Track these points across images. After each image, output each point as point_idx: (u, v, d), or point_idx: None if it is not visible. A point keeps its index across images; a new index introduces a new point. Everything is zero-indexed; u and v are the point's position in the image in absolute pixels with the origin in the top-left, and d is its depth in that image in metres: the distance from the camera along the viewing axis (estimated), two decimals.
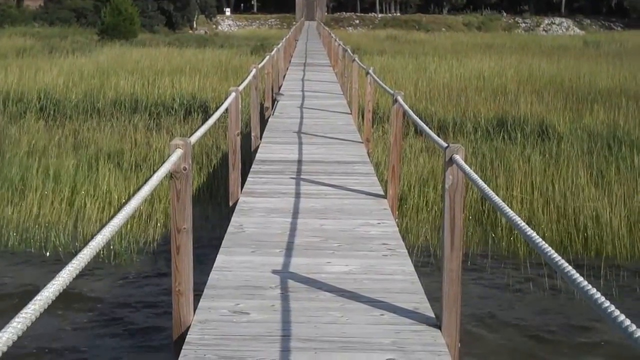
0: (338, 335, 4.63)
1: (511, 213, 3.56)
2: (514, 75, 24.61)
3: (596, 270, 8.82)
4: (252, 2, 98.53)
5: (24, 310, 2.13)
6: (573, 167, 12.11)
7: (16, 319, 2.07)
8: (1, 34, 45.54)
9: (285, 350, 4.41)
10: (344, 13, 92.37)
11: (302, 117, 14.17)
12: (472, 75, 24.69)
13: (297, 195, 8.31)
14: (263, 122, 13.52)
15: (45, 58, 28.87)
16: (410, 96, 19.06)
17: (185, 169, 4.70)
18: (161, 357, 6.55)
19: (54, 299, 2.32)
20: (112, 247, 9.43)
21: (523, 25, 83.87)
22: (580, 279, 2.60)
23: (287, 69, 25.16)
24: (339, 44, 23.44)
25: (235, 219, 7.34)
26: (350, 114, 14.67)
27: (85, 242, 3.10)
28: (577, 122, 16.06)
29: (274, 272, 5.78)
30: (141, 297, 8.09)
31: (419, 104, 18.37)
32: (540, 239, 3.08)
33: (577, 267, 8.49)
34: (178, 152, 4.65)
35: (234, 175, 8.43)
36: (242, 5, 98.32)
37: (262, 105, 14.67)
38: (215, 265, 5.95)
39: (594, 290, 2.47)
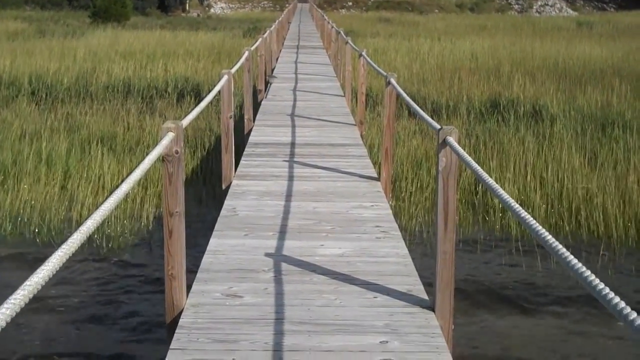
0: (331, 318, 4.62)
1: (504, 195, 3.54)
2: (507, 56, 24.57)
3: (590, 251, 8.83)
4: None
5: (13, 297, 2.11)
6: (566, 148, 12.11)
7: (5, 305, 2.05)
8: None
9: (279, 333, 4.40)
10: None
11: (295, 100, 14.13)
12: (465, 57, 24.67)
13: (290, 178, 8.30)
14: (256, 105, 13.48)
15: (37, 42, 28.73)
16: (403, 78, 19.02)
17: (177, 152, 4.68)
18: (154, 341, 6.55)
19: (44, 284, 2.30)
20: (104, 231, 9.41)
21: (516, 6, 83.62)
22: (575, 260, 2.58)
23: (280, 51, 25.09)
24: (332, 26, 23.37)
25: (228, 202, 7.33)
26: (344, 96, 14.65)
27: (77, 226, 3.07)
28: (570, 103, 16.06)
29: (267, 255, 5.77)
30: (134, 281, 8.08)
31: (412, 86, 18.34)
32: (534, 221, 3.07)
33: (571, 248, 8.52)
34: (170, 136, 4.62)
35: (227, 158, 8.40)
36: None
37: (255, 88, 14.62)
38: (208, 248, 5.94)
39: (588, 272, 2.45)
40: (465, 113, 15.68)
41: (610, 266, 8.51)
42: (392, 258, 5.76)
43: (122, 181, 3.59)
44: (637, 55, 24.79)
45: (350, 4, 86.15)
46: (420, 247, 8.83)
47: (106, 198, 3.26)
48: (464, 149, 4.60)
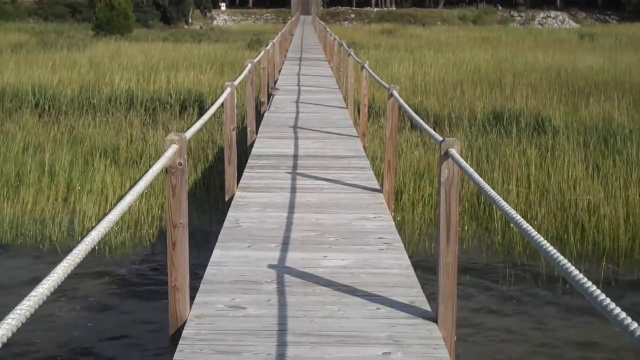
0: (334, 330, 4.62)
1: (507, 207, 3.55)
2: (510, 68, 24.60)
3: (593, 263, 8.82)
4: None
5: (19, 307, 2.12)
6: (569, 160, 12.12)
7: (11, 316, 2.07)
8: None
9: (282, 345, 4.41)
10: (340, 7, 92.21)
11: (297, 112, 14.16)
12: (468, 69, 24.70)
13: (293, 189, 8.31)
14: (259, 117, 13.51)
15: (41, 54, 28.81)
16: (406, 90, 19.05)
17: (180, 164, 4.69)
18: (158, 352, 6.55)
19: (49, 295, 2.31)
20: (108, 242, 9.43)
21: (518, 18, 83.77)
22: (577, 272, 2.59)
23: (283, 63, 25.13)
24: (335, 38, 23.42)
25: (231, 214, 7.34)
26: (346, 108, 14.66)
27: (81, 238, 3.09)
28: (572, 115, 16.07)
29: (270, 266, 5.78)
30: (137, 293, 8.09)
31: (415, 98, 18.37)
32: (536, 233, 3.08)
33: (574, 260, 8.53)
34: (173, 148, 4.63)
35: (230, 170, 8.42)
36: None
37: (257, 100, 14.65)
38: (211, 260, 5.94)
39: (589, 284, 2.46)
40: (467, 125, 15.69)
41: (613, 278, 8.50)
42: (395, 269, 5.76)
43: (126, 193, 3.61)
44: (639, 68, 24.81)
45: (352, 16, 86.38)
46: (423, 258, 8.83)
47: (110, 209, 3.28)
48: (466, 161, 4.62)
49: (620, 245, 9.39)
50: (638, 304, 7.79)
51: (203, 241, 9.12)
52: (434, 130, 6.18)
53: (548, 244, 2.91)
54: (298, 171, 9.22)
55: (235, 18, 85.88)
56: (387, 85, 8.83)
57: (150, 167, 4.27)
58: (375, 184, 8.67)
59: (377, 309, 4.96)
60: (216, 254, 6.11)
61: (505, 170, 11.81)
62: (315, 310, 4.92)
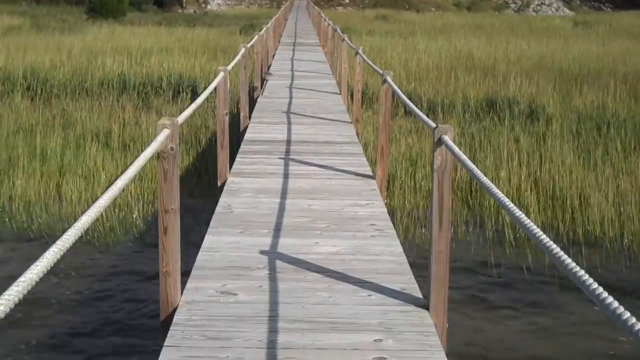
0: (326, 316, 4.62)
1: (499, 194, 3.54)
2: (504, 55, 24.58)
3: (584, 251, 8.83)
4: None
5: (7, 292, 2.10)
6: (561, 148, 12.12)
7: None
8: None
9: (273, 331, 4.40)
10: None
11: (291, 97, 14.13)
12: (462, 55, 24.66)
13: (286, 175, 8.29)
14: (252, 102, 13.47)
15: (33, 37, 28.65)
16: (399, 76, 19.01)
17: (172, 149, 4.67)
18: (149, 338, 6.54)
19: (38, 280, 2.29)
20: (98, 227, 9.40)
21: (513, 5, 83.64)
22: (569, 259, 2.58)
23: (277, 48, 25.07)
24: (329, 24, 23.36)
25: (223, 200, 7.32)
26: (340, 94, 14.64)
27: (71, 223, 3.07)
28: (566, 103, 16.07)
29: (262, 252, 5.77)
30: (128, 278, 8.07)
31: (408, 85, 18.33)
32: (528, 220, 3.07)
33: (565, 247, 8.54)
34: (165, 132, 4.61)
35: (223, 155, 8.40)
36: None
37: (251, 85, 14.61)
38: (203, 245, 5.93)
39: (581, 272, 2.45)
40: (461, 112, 15.69)
41: (604, 265, 8.52)
42: (387, 256, 5.76)
43: (117, 177, 3.58)
44: (633, 56, 24.83)
45: (347, 1, 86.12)
46: (415, 245, 8.83)
47: (101, 194, 3.25)
48: (460, 148, 4.61)
49: (610, 233, 9.40)
50: (627, 292, 7.81)
51: (195, 226, 9.10)
52: (428, 116, 6.15)
53: (540, 231, 2.90)
54: (291, 157, 9.21)
55: (230, 2, 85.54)
56: (380, 71, 8.81)
57: (142, 151, 4.25)
58: (367, 170, 8.66)
59: (369, 295, 4.96)
60: (208, 239, 6.10)
61: (498, 157, 11.81)
62: (307, 296, 4.92)
